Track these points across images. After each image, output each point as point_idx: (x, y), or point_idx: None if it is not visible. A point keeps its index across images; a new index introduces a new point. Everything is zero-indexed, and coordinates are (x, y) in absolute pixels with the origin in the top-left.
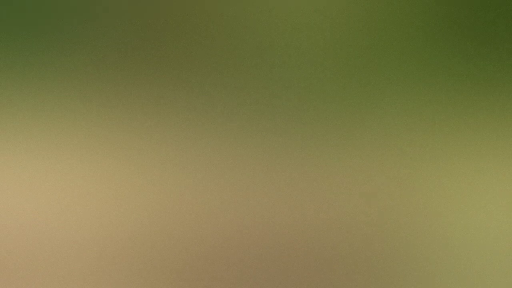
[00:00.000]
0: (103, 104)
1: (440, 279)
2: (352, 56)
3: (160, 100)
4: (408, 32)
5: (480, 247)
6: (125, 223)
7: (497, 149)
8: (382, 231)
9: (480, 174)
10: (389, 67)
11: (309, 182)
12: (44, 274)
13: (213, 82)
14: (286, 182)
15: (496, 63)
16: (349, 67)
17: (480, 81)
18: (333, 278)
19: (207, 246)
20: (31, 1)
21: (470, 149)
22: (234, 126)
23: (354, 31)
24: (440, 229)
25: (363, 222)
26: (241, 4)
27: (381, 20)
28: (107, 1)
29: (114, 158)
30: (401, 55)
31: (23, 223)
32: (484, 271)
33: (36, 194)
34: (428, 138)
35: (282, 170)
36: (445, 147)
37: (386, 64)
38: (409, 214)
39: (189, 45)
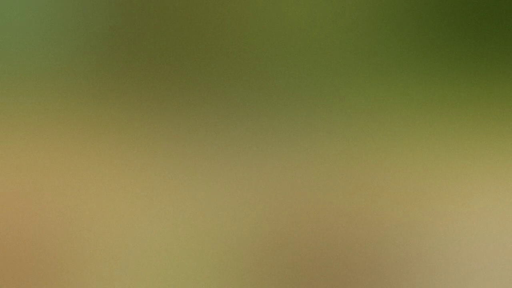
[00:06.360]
0: (108, 105)
1: (440, 280)
2: (353, 57)
3: (164, 100)
4: (412, 30)
5: (481, 247)
6: (129, 223)
7: (500, 149)
8: (384, 230)
9: (482, 174)
10: (391, 67)
11: (311, 182)
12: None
13: (218, 83)
14: (289, 181)
15: (504, 63)
16: (350, 68)
17: (483, 80)
18: (334, 278)
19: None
20: (31, 2)
21: (471, 148)
22: (240, 124)
23: (355, 31)
24: (440, 229)
25: (368, 222)
26: (243, 3)
27: (386, 19)
28: (109, 1)
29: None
30: (401, 55)
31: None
32: (484, 271)
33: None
34: (429, 139)
35: (287, 170)
36: (446, 147)
37: (388, 64)
38: (414, 212)
39: (192, 46)
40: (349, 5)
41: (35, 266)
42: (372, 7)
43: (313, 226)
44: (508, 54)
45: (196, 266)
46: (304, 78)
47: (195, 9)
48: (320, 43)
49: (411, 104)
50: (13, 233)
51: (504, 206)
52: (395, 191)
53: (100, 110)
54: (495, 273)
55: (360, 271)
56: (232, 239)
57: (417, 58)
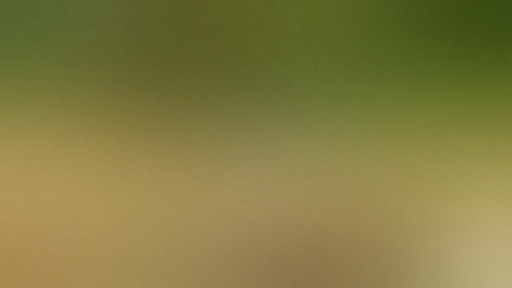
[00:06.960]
0: (106, 107)
1: (440, 280)
2: (353, 57)
3: (163, 101)
4: (412, 30)
5: (481, 247)
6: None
7: (500, 149)
8: (384, 230)
9: (482, 174)
10: (390, 67)
11: (311, 181)
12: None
13: (218, 83)
14: (289, 181)
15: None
16: (350, 68)
17: (483, 80)
18: (334, 278)
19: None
20: (31, 3)
21: (471, 148)
22: (240, 124)
23: (355, 31)
24: (440, 229)
25: (368, 221)
26: (243, 3)
27: (386, 19)
28: (109, 2)
29: (113, 161)
30: (401, 55)
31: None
32: (484, 271)
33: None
34: (429, 139)
35: (286, 170)
36: (446, 146)
37: (388, 64)
38: (414, 212)
39: (192, 46)
40: (349, 5)
41: (35, 266)
42: (372, 7)
43: (313, 226)
44: (508, 54)
45: (196, 266)
46: (304, 78)
47: (195, 9)
48: (320, 43)
49: (411, 104)
50: (12, 233)
51: (504, 206)
52: (395, 191)
53: (100, 110)
54: (495, 273)
55: (360, 271)
56: (232, 239)
57: (417, 58)
